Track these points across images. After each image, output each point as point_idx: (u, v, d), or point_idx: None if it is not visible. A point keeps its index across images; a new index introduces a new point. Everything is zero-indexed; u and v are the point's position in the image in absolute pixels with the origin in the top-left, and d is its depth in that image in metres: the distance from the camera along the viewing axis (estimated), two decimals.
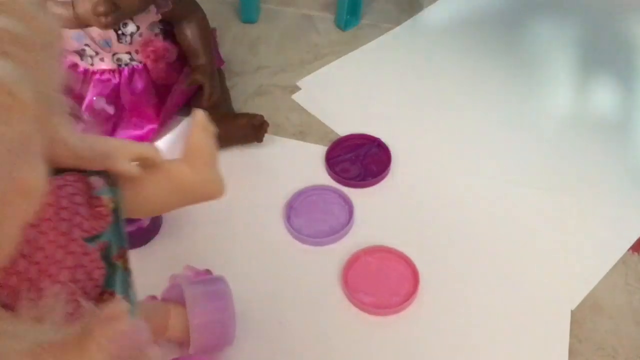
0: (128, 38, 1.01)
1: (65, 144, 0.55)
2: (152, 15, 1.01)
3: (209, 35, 1.10)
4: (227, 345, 0.83)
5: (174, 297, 0.82)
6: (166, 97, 1.07)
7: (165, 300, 0.83)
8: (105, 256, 0.57)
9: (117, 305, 0.51)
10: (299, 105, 1.18)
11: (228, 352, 0.85)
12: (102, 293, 0.58)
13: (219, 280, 0.83)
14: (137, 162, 0.64)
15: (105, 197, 0.60)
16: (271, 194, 1.02)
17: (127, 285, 0.60)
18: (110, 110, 1.06)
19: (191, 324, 0.78)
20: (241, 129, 1.06)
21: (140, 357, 0.52)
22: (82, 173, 0.60)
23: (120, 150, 0.64)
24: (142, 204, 0.66)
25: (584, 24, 1.33)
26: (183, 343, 0.82)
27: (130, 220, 0.91)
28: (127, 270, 0.60)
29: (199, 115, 0.69)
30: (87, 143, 0.61)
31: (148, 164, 0.66)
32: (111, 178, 0.62)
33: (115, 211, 0.60)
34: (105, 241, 0.57)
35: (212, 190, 0.71)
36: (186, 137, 0.69)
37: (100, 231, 0.58)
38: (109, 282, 0.58)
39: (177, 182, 0.68)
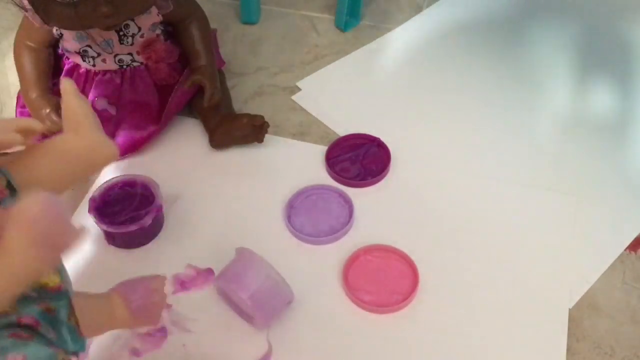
0: (130, 39, 1.01)
1: None
2: (154, 17, 1.02)
3: (209, 36, 1.11)
4: (288, 303, 0.87)
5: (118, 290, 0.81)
6: (167, 97, 1.07)
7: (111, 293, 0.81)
8: None
9: (30, 197, 0.51)
10: (299, 106, 1.18)
11: (229, 351, 0.86)
12: None
13: (245, 251, 0.88)
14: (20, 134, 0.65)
15: None
16: (271, 194, 1.03)
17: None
18: (112, 110, 1.07)
19: (245, 297, 0.83)
20: (242, 129, 1.07)
21: (63, 231, 0.52)
22: None
23: (0, 125, 0.65)
24: (38, 184, 0.65)
25: (583, 26, 1.34)
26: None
27: (132, 220, 0.93)
28: None
29: (67, 84, 0.69)
30: None
31: (29, 135, 0.66)
32: None
33: (10, 185, 0.61)
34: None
35: (101, 154, 0.70)
36: (62, 108, 0.69)
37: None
38: None
39: (63, 151, 0.68)
